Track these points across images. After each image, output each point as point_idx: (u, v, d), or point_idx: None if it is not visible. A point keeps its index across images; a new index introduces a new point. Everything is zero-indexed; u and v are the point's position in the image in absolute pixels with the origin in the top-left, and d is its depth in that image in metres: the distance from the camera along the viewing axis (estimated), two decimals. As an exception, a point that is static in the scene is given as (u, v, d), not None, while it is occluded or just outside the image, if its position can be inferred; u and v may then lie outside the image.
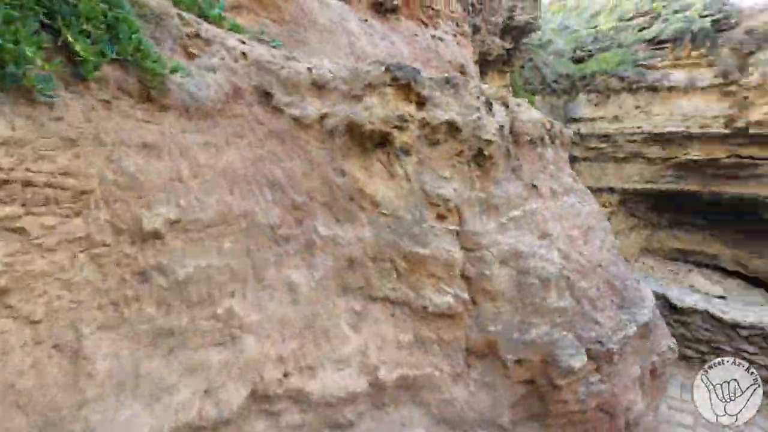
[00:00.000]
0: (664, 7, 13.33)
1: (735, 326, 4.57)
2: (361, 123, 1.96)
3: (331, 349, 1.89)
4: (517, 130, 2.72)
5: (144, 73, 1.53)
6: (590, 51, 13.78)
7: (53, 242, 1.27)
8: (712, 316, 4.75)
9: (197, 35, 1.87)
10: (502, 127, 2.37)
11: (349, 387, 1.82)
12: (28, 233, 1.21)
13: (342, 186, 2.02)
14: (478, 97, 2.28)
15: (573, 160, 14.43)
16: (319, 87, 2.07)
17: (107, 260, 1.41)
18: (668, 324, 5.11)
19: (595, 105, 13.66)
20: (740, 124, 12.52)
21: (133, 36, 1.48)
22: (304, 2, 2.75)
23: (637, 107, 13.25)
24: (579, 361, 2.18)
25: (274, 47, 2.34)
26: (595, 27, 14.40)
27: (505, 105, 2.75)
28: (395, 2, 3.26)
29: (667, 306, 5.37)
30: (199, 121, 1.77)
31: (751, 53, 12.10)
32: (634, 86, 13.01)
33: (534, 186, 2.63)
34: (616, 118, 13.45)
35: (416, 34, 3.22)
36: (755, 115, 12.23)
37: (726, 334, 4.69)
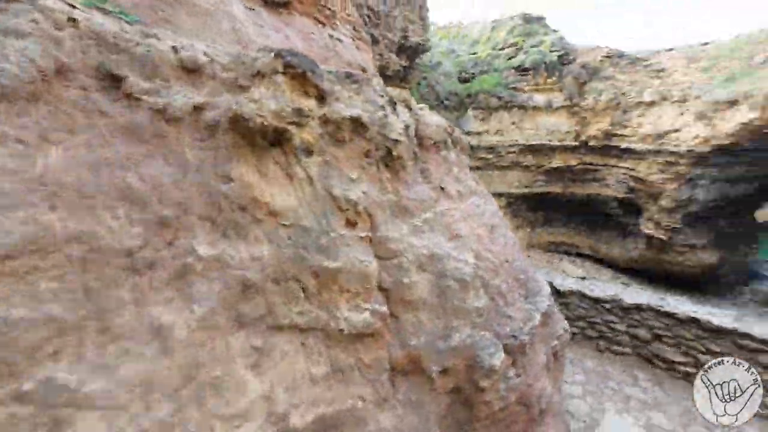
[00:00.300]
0: (524, 41, 16.04)
1: (600, 301, 5.33)
2: (248, 117, 1.61)
3: (224, 404, 1.46)
4: (421, 133, 2.70)
5: None
6: (473, 73, 15.69)
7: None
8: (584, 295, 5.49)
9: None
10: (407, 127, 2.29)
11: (252, 448, 1.42)
12: None
13: (229, 194, 1.63)
14: (382, 96, 2.15)
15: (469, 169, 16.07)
16: (190, 71, 1.65)
17: None
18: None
19: (481, 120, 15.55)
20: (583, 138, 15.69)
21: None
22: (173, -22, 2.27)
23: (512, 123, 15.57)
24: (498, 359, 2.17)
25: (127, 22, 1.82)
26: (475, 53, 16.53)
27: (409, 107, 2.71)
28: (287, -3, 3.02)
29: (552, 291, 6.07)
30: (-12, 106, 1.20)
31: (585, 82, 15.33)
32: (509, 105, 15.30)
33: (442, 188, 2.62)
34: (498, 132, 15.53)
35: (312, 32, 2.99)
36: (591, 131, 15.48)
37: (596, 309, 5.46)
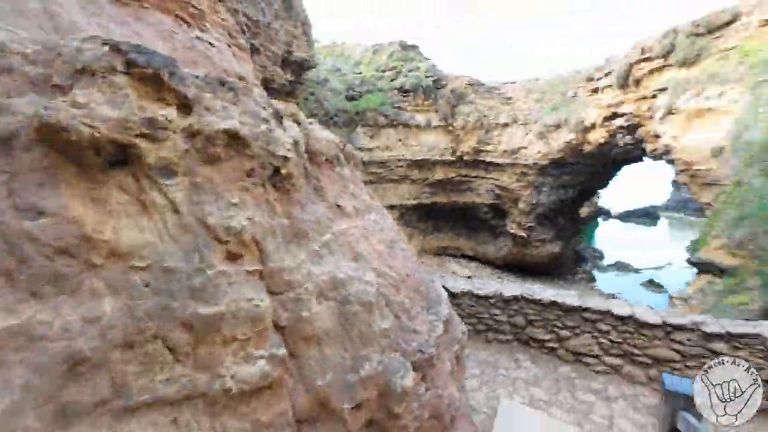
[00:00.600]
0: (402, 65, 17.57)
1: (486, 297, 5.94)
2: (69, 127, 1.18)
3: None
4: (313, 149, 2.53)
5: None
6: (359, 92, 16.35)
7: None
8: (474, 294, 6.04)
9: None
10: (297, 143, 2.09)
11: None
12: None
13: (39, 235, 1.15)
14: (265, 108, 1.91)
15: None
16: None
17: None
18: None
19: (371, 137, 16.26)
20: (458, 153, 17.91)
21: None
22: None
23: (399, 140, 16.75)
24: (409, 379, 2.12)
25: None
26: (360, 73, 17.33)
27: (297, 122, 2.52)
28: (138, -13, 2.48)
29: (447, 294, 6.53)
30: None
31: (456, 105, 17.60)
32: (395, 123, 16.45)
33: (339, 206, 2.49)
34: (387, 148, 16.47)
35: (175, 31, 2.53)
36: (464, 147, 17.82)
37: (483, 305, 6.05)
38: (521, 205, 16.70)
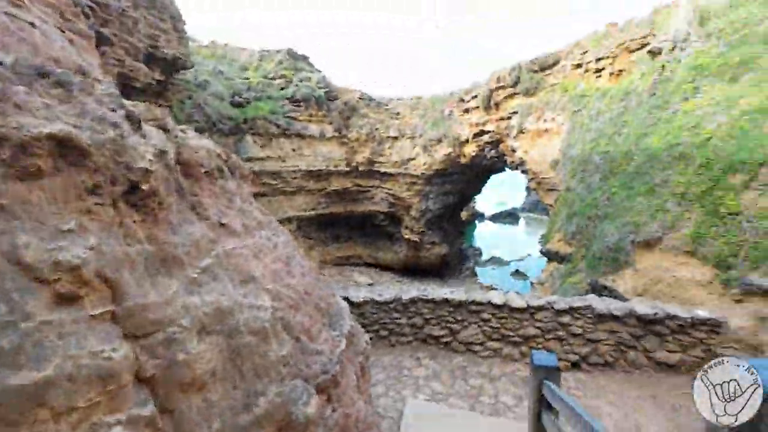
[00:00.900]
0: (293, 75, 17.16)
1: (387, 303, 6.15)
2: None
3: None
4: (188, 160, 2.19)
5: None
6: (247, 98, 15.26)
7: None
8: (375, 301, 6.18)
9: None
10: (162, 153, 1.77)
11: None
12: None
13: None
14: (114, 109, 1.56)
15: (254, 196, 15.30)
16: None
17: None
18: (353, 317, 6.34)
19: (261, 146, 15.28)
20: (353, 164, 18.35)
21: None
22: None
23: (293, 150, 16.20)
24: (313, 405, 1.98)
25: None
26: (247, 78, 16.21)
27: (165, 129, 2.15)
28: None
29: (349, 304, 6.51)
30: None
31: (349, 117, 18.05)
32: (288, 132, 15.86)
33: (223, 224, 2.20)
34: (280, 158, 15.72)
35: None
36: (359, 158, 18.37)
37: (384, 311, 6.24)
38: (413, 212, 18.05)
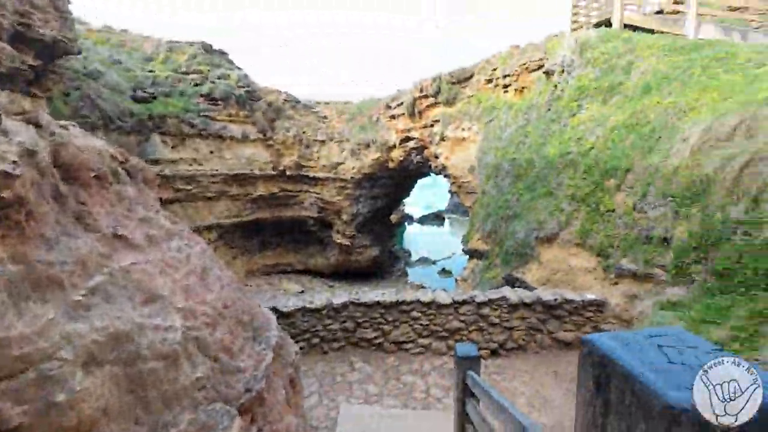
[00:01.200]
0: (209, 70, 15.80)
1: (319, 310, 6.02)
2: None
3: None
4: (70, 162, 1.86)
5: None
6: (153, 93, 13.56)
7: None
8: (306, 309, 6.01)
9: None
10: (32, 153, 1.48)
11: None
12: None
13: None
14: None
15: (163, 202, 13.62)
16: None
17: None
18: (281, 327, 6.05)
19: (172, 147, 13.71)
20: (280, 168, 17.60)
21: None
22: None
23: (211, 152, 14.86)
24: (235, 428, 1.83)
25: None
26: (152, 72, 14.40)
27: (36, 124, 1.79)
28: None
29: (277, 314, 6.23)
30: None
31: (274, 120, 17.28)
32: (204, 133, 14.49)
33: (119, 236, 1.92)
34: (195, 161, 14.28)
35: None
36: (286, 162, 17.68)
37: (316, 318, 6.10)
38: (344, 216, 18.00)
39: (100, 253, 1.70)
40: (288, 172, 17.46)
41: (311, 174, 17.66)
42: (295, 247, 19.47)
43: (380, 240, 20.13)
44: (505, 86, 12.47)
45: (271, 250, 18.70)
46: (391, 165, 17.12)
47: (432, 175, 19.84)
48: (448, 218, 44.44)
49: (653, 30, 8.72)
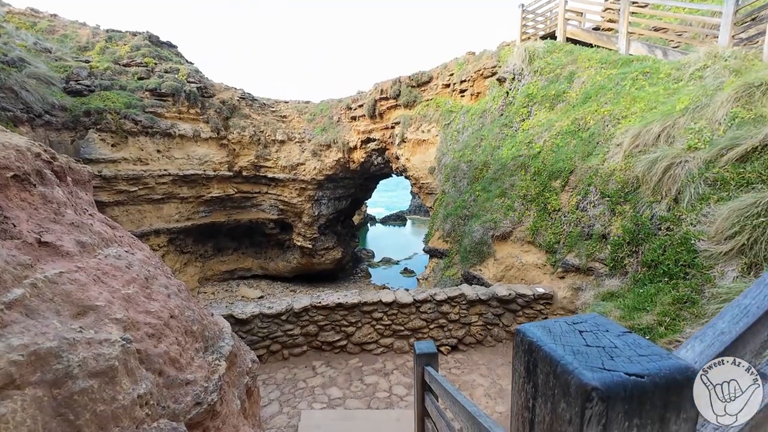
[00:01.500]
0: (156, 63, 14.72)
1: (279, 315, 5.86)
2: None
3: None
4: (-19, 160, 1.65)
5: None
6: (89, 86, 12.36)
7: None
8: (265, 315, 5.82)
9: None
10: (-67, 149, 1.29)
11: None
12: None
13: None
14: None
15: (102, 205, 12.44)
16: None
17: None
18: (238, 335, 5.78)
19: (113, 146, 12.56)
20: (236, 168, 16.83)
21: None
22: None
23: (158, 151, 13.81)
24: (184, 445, 1.72)
25: None
26: (88, 62, 13.10)
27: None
28: None
29: (234, 322, 5.96)
30: None
31: (228, 118, 16.49)
32: (150, 131, 13.44)
33: (45, 243, 1.74)
34: (140, 161, 13.21)
35: None
36: (242, 162, 16.95)
37: (276, 324, 5.93)
38: (305, 218, 17.62)
39: (20, 263, 1.52)
40: (245, 173, 16.75)
41: (270, 175, 17.09)
42: (254, 251, 18.73)
43: (343, 241, 19.96)
44: (462, 91, 12.95)
45: (227, 255, 17.82)
46: (352, 166, 17.07)
47: (394, 176, 20.09)
48: (410, 219, 45.18)
49: (591, 44, 9.53)
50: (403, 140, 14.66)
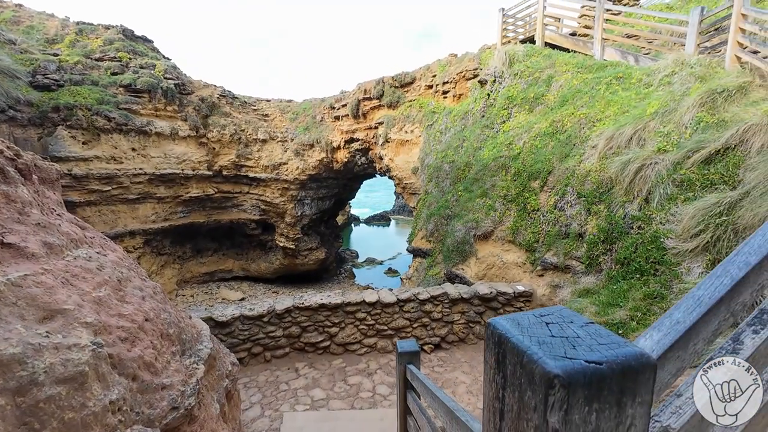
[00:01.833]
0: (130, 58, 14.19)
1: (260, 317, 5.77)
2: None
3: None
4: (-64, 157, 1.56)
5: None
6: (57, 80, 11.79)
7: None
8: (246, 317, 5.72)
9: None
10: None
11: None
12: None
13: None
14: None
15: (73, 205, 11.89)
16: None
17: None
18: (218, 338, 5.65)
19: (84, 143, 12.03)
20: (216, 167, 16.44)
21: None
22: None
23: (133, 149, 13.31)
24: (159, 451, 1.68)
25: None
26: (57, 55, 12.49)
27: None
28: None
29: (214, 324, 5.84)
30: None
31: (208, 116, 16.09)
32: (124, 128, 12.93)
33: (8, 244, 1.65)
34: (114, 159, 12.70)
35: None
36: (222, 161, 16.57)
37: (257, 326, 5.84)
38: (287, 218, 17.39)
39: (-20, 265, 1.44)
40: (225, 172, 16.39)
41: (251, 174, 16.77)
42: (235, 252, 18.35)
43: (326, 242, 19.81)
44: (444, 92, 13.10)
45: (207, 256, 17.38)
46: (335, 166, 16.97)
47: (378, 176, 20.10)
48: (394, 219, 45.31)
49: (569, 49, 9.83)
50: (386, 140, 14.69)
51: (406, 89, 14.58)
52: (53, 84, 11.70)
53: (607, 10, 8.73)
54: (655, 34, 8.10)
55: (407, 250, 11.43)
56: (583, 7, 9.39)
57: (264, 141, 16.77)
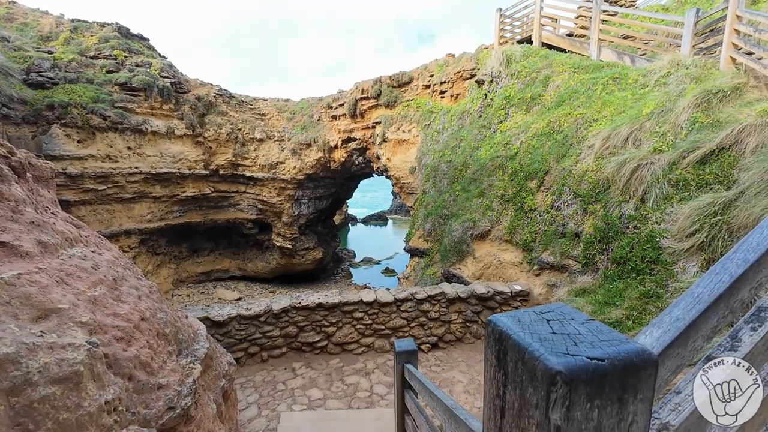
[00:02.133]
0: (126, 56, 14.09)
1: (257, 316, 5.75)
2: None
3: None
4: (-72, 154, 1.53)
5: None
6: (52, 78, 11.67)
7: None
8: (243, 317, 5.70)
9: None
10: None
11: None
12: None
13: None
14: None
15: (68, 204, 11.78)
16: None
17: None
18: (215, 338, 5.62)
19: (79, 142, 11.93)
20: (213, 167, 16.36)
21: None
22: None
23: (129, 148, 13.22)
24: (155, 451, 1.66)
25: None
26: (51, 53, 12.37)
27: None
28: None
29: (210, 324, 5.81)
30: None
31: (204, 115, 16.01)
32: (120, 127, 12.84)
33: (1, 243, 1.63)
34: (109, 158, 12.60)
35: None
36: (219, 160, 16.49)
37: (254, 325, 5.81)
38: (284, 218, 17.34)
39: (-27, 264, 1.42)
40: (222, 172, 16.31)
41: (248, 174, 16.70)
42: (232, 252, 18.27)
43: (324, 241, 19.78)
44: (442, 92, 13.11)
45: (203, 256, 17.29)
46: (333, 165, 16.94)
47: (375, 175, 20.08)
48: (391, 218, 45.32)
49: (565, 50, 9.87)
50: (384, 140, 14.68)
51: (403, 89, 14.58)
52: (48, 82, 11.58)
53: (604, 11, 8.78)
54: (651, 35, 8.15)
55: (404, 249, 11.43)
56: (579, 7, 9.43)
57: (261, 140, 16.71)
